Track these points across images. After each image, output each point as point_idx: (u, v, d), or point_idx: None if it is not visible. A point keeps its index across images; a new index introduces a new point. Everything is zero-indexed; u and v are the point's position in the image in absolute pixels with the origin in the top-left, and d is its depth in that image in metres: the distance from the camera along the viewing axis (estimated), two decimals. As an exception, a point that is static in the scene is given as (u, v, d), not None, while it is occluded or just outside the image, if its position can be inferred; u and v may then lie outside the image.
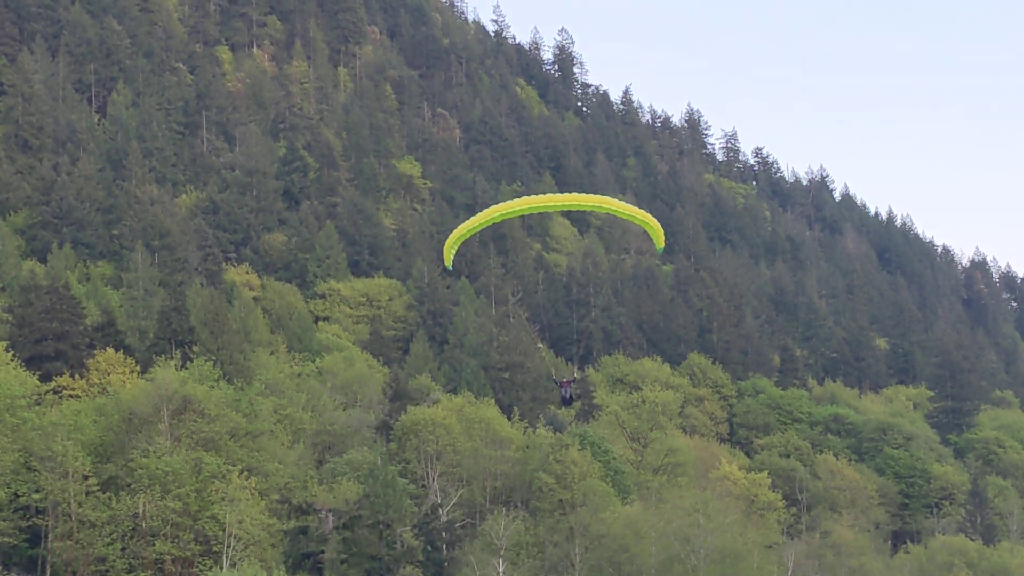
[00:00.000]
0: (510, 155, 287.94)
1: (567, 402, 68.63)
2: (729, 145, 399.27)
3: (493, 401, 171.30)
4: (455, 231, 63.77)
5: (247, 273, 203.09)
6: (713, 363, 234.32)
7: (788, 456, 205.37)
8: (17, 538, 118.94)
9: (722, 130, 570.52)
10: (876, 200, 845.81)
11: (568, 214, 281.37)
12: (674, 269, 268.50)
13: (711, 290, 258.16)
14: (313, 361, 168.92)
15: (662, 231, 56.43)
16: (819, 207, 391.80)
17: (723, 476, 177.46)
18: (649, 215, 57.04)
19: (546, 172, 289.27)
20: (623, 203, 58.28)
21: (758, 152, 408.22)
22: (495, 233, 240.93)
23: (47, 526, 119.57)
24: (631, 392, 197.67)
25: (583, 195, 61.91)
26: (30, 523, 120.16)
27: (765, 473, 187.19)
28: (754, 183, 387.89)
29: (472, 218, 63.23)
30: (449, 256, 64.02)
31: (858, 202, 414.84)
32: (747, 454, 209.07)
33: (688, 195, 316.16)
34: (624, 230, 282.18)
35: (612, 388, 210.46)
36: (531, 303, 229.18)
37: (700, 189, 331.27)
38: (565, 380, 67.10)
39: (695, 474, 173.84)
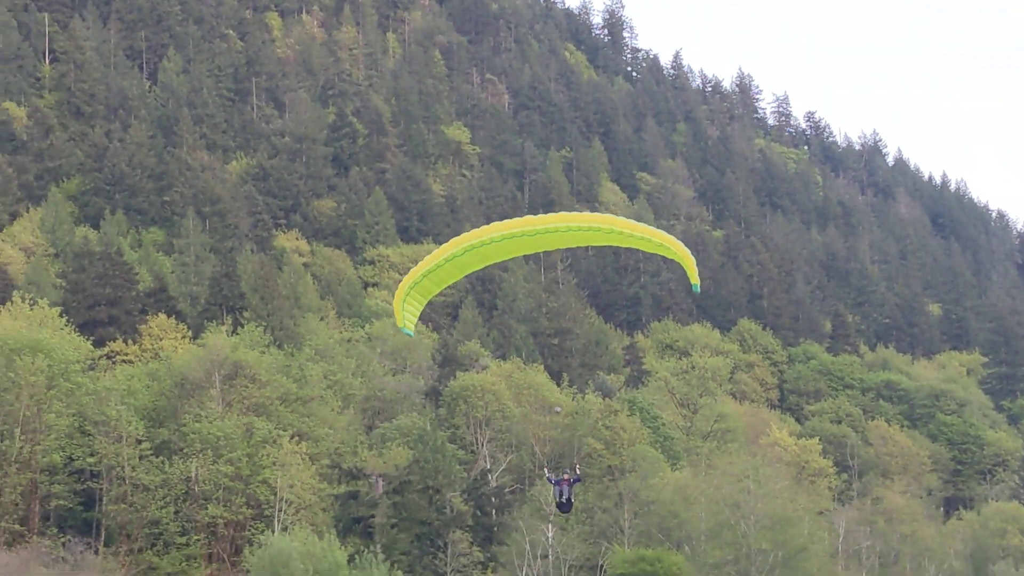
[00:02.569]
0: (559, 120, 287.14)
1: (564, 508, 51.98)
2: (780, 109, 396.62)
3: (542, 367, 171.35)
4: (406, 279, 45.26)
5: (297, 239, 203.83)
6: (763, 329, 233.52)
7: (839, 422, 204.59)
8: (72, 501, 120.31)
9: (774, 95, 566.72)
10: (930, 165, 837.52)
11: (618, 179, 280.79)
12: (724, 235, 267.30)
13: (761, 256, 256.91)
14: (362, 327, 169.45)
15: (694, 263, 43.50)
16: (872, 172, 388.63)
17: (773, 442, 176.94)
18: (680, 244, 43.66)
19: (595, 138, 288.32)
20: (649, 228, 43.81)
21: (810, 116, 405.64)
22: (544, 200, 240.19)
23: (101, 489, 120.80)
24: (680, 358, 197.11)
25: (591, 221, 44.47)
26: (85, 486, 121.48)
27: (816, 439, 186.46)
28: (806, 148, 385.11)
29: (427, 259, 44.83)
30: (401, 313, 44.88)
31: (911, 167, 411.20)
32: (798, 420, 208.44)
33: (738, 160, 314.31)
34: (674, 195, 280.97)
35: (661, 354, 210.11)
36: (580, 269, 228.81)
37: (751, 154, 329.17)
38: (565, 478, 51.24)
39: (745, 440, 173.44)
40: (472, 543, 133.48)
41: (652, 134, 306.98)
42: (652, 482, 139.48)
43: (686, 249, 43.38)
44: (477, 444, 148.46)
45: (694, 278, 43.36)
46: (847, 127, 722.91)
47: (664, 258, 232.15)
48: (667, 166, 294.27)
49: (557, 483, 51.63)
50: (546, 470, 63.72)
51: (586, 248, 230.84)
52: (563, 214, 44.74)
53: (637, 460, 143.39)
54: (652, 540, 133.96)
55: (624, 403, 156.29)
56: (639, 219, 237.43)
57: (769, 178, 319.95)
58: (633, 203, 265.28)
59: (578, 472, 52.23)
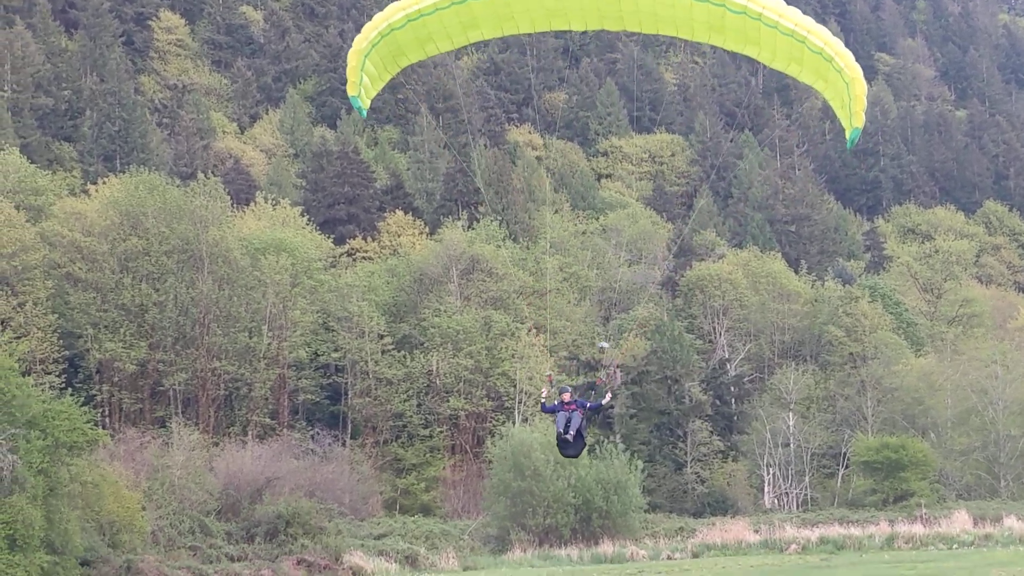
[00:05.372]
0: (793, 2, 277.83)
1: (566, 449, 32.95)
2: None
3: (779, 255, 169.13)
4: (376, 19, 30.54)
5: (529, 133, 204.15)
6: (1010, 210, 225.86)
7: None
8: (319, 395, 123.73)
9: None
10: None
11: (855, 60, 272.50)
12: (968, 114, 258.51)
13: (1007, 135, 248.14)
14: (597, 219, 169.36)
15: (863, 96, 28.84)
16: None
17: (1022, 327, 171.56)
18: (854, 66, 29.17)
19: (831, 18, 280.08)
20: (807, 21, 29.61)
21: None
22: (779, 83, 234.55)
23: (346, 384, 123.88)
24: (923, 242, 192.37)
25: None
26: (331, 381, 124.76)
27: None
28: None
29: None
30: (358, 75, 30.31)
31: None
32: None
33: (982, 36, 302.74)
34: (914, 76, 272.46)
35: (903, 239, 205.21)
36: (817, 154, 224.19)
37: (994, 30, 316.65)
38: (565, 399, 32.75)
39: (992, 325, 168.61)
40: (712, 432, 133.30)
41: (890, 12, 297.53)
42: (895, 369, 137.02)
43: (858, 71, 28.14)
44: (715, 333, 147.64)
45: (858, 119, 28.81)
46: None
47: (904, 140, 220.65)
48: (906, 45, 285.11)
49: (552, 410, 33.00)
50: (544, 388, 34.87)
51: (823, 132, 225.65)
52: None
53: (879, 347, 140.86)
54: (896, 427, 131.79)
55: (865, 289, 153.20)
56: (877, 102, 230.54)
57: (1014, 54, 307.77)
58: (871, 84, 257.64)
59: (607, 393, 33.93)
